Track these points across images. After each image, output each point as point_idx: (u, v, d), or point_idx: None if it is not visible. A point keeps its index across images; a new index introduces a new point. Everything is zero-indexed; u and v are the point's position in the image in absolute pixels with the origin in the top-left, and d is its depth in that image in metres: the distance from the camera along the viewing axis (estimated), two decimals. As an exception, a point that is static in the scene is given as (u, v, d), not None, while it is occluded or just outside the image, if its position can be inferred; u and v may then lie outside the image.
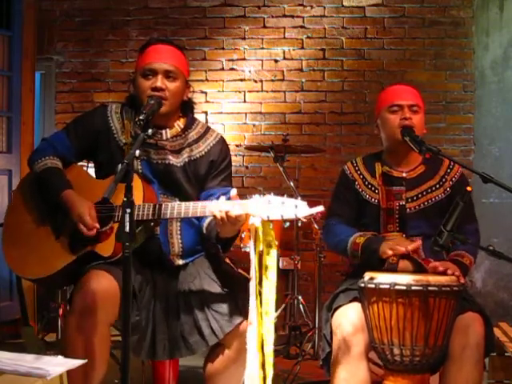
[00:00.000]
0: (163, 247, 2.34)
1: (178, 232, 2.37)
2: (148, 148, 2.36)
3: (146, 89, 2.31)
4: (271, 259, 2.03)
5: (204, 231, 2.37)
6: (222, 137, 2.51)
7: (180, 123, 2.45)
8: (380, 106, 2.68)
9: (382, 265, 2.43)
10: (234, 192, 2.11)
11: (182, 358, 2.37)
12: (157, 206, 2.21)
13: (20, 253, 2.34)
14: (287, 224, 2.03)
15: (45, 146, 2.45)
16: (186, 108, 2.48)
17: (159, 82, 2.30)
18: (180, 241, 2.37)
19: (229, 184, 2.44)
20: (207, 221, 2.35)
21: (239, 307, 2.23)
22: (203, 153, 2.43)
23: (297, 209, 1.97)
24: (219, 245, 2.33)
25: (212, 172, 2.43)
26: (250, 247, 2.04)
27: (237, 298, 2.25)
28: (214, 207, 2.11)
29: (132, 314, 2.17)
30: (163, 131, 2.40)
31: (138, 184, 2.25)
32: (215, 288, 2.30)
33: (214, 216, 2.10)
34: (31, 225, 2.37)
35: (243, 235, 3.66)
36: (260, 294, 2.04)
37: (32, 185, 2.43)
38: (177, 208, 2.18)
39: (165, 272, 2.37)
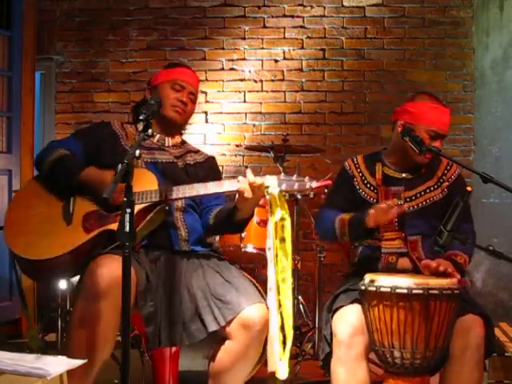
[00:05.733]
0: (172, 233, 2.45)
1: (182, 220, 2.51)
2: (153, 150, 2.60)
3: (172, 98, 2.60)
4: (286, 231, 2.21)
5: (211, 222, 2.54)
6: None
7: (179, 137, 2.75)
8: (413, 118, 2.59)
9: (369, 236, 2.48)
10: (249, 170, 2.29)
11: (183, 344, 2.35)
12: (170, 187, 2.35)
13: (29, 240, 2.38)
14: (299, 195, 2.19)
15: (56, 144, 2.59)
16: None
17: (185, 97, 2.63)
18: (185, 227, 2.50)
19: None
20: (214, 211, 2.53)
21: (242, 297, 2.25)
22: (201, 160, 2.71)
23: (307, 181, 2.21)
24: (233, 228, 2.51)
25: (212, 174, 2.65)
26: (268, 218, 2.25)
27: (239, 289, 2.28)
28: (236, 181, 2.30)
29: (147, 305, 2.25)
30: (166, 138, 2.68)
31: (147, 173, 2.43)
32: (218, 278, 2.34)
33: (238, 190, 2.28)
34: (41, 216, 2.43)
35: (243, 235, 3.66)
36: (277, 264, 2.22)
37: (38, 181, 2.53)
38: (196, 187, 2.34)
39: (169, 259, 2.41)
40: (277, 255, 2.21)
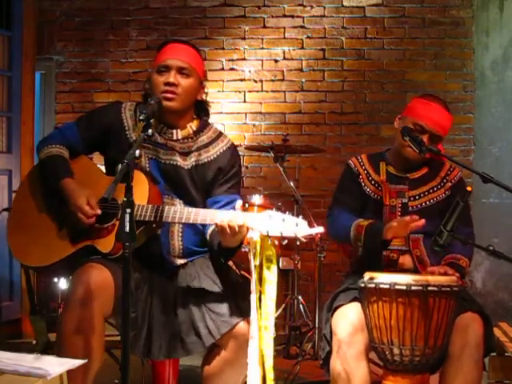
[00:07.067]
0: (163, 248, 2.34)
1: (180, 234, 2.37)
2: (158, 147, 2.38)
3: (159, 84, 2.33)
4: (271, 274, 2.05)
5: (207, 238, 2.38)
6: (232, 144, 2.49)
7: (193, 125, 2.44)
8: (405, 111, 2.65)
9: (384, 247, 2.44)
10: (239, 203, 2.13)
11: (178, 358, 2.36)
12: (160, 208, 2.21)
13: (24, 240, 2.34)
14: (285, 241, 2.03)
15: (54, 134, 2.49)
16: (200, 110, 2.49)
17: (172, 77, 2.32)
18: (181, 242, 2.37)
19: (236, 192, 2.43)
20: (211, 228, 2.35)
21: (237, 308, 2.22)
22: (212, 158, 2.42)
23: (297, 227, 1.98)
24: (221, 253, 2.32)
25: (219, 179, 2.41)
26: (250, 261, 2.06)
27: (235, 299, 2.25)
28: (216, 216, 2.13)
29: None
30: (174, 131, 2.40)
31: (143, 183, 2.27)
32: (214, 288, 2.28)
33: (216, 225, 2.13)
34: (38, 213, 2.37)
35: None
36: (260, 308, 2.06)
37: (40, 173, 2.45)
38: (179, 213, 2.19)
39: (163, 271, 2.36)
40: (260, 299, 2.07)
